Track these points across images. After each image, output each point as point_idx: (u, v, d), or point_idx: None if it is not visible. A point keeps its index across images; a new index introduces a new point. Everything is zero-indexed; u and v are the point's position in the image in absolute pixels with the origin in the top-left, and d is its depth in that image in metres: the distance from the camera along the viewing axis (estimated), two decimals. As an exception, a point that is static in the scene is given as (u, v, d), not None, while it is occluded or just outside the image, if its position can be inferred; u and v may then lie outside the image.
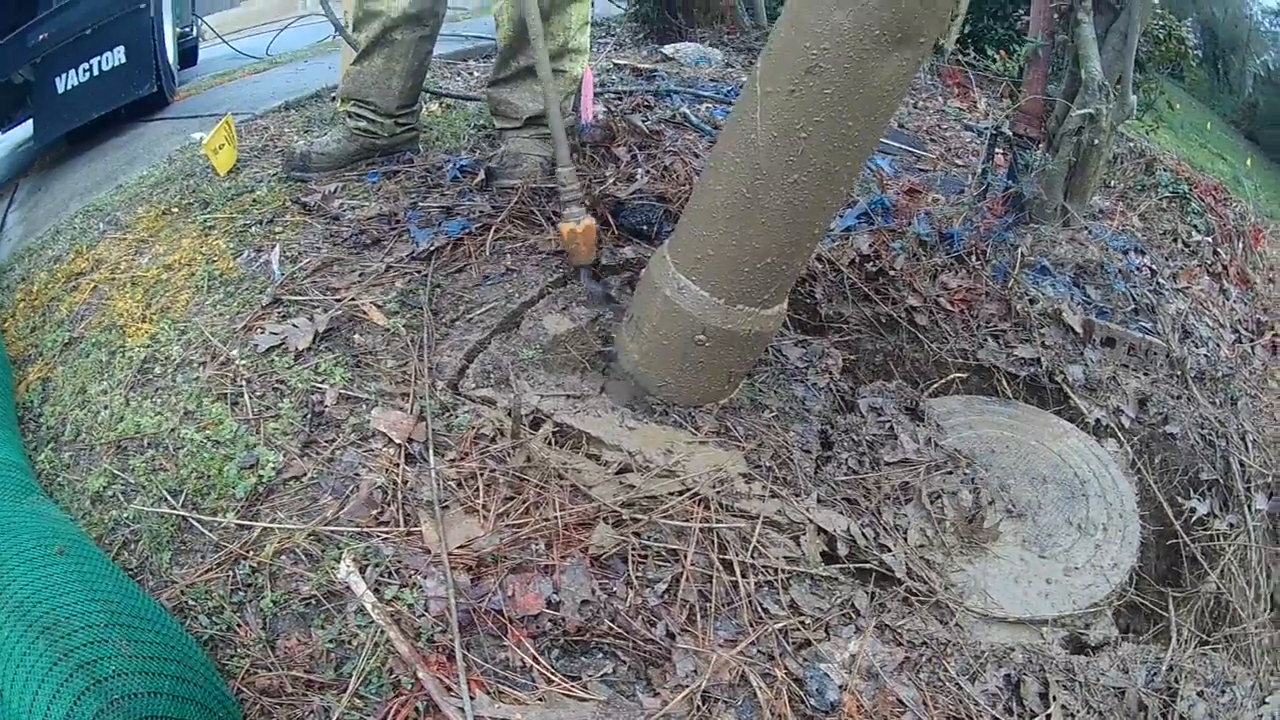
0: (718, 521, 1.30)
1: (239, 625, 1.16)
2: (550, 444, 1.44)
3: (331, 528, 1.25)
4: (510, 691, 1.08)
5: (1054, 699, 1.22)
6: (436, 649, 1.12)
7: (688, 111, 2.60)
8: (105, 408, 1.54)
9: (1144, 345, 2.02)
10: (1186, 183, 2.86)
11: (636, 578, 1.22)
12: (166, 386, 1.53)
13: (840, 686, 1.13)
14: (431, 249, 1.80)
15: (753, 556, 1.28)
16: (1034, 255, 2.11)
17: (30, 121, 2.97)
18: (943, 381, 1.89)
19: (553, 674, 1.10)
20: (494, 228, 1.89)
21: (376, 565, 1.20)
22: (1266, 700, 1.35)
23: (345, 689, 1.07)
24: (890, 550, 1.38)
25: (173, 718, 0.94)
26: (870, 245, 1.98)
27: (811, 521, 1.37)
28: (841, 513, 1.42)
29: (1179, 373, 2.00)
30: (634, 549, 1.25)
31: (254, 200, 2.00)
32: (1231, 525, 1.82)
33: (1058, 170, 2.16)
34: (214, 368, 1.52)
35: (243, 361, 1.53)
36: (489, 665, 1.11)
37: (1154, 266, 2.39)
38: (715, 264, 1.39)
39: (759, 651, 1.15)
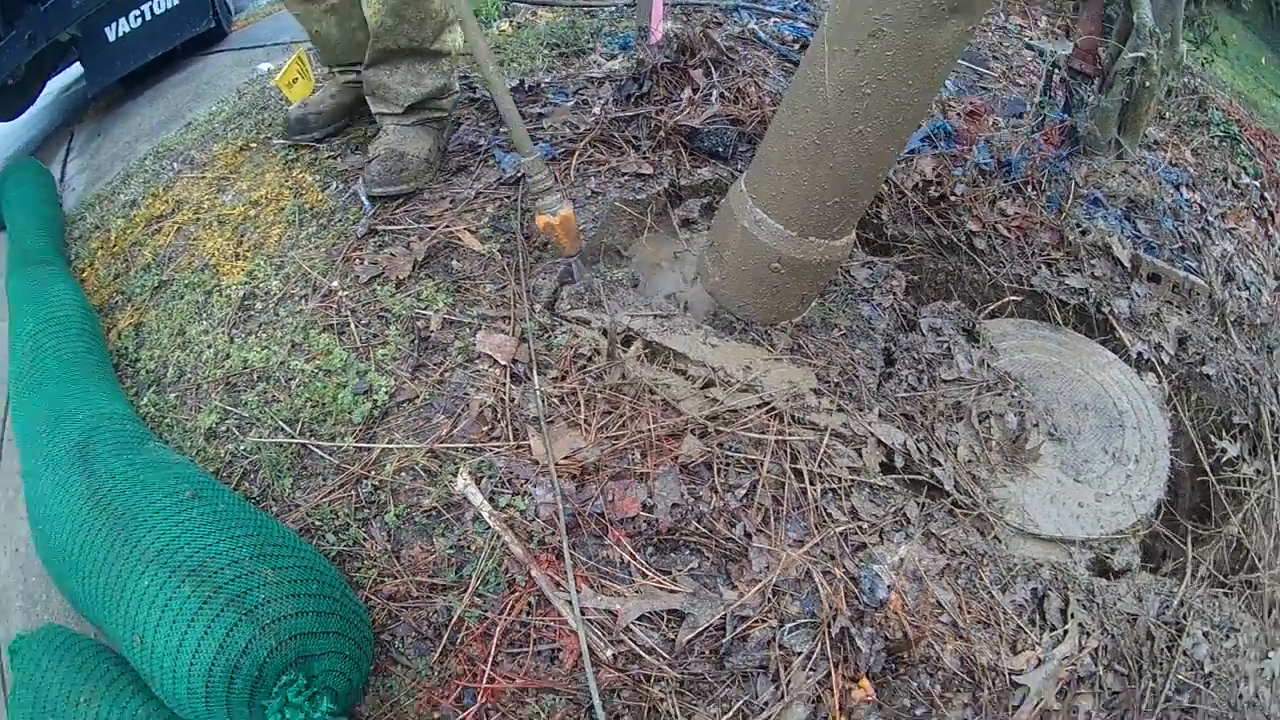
0: (791, 434, 1.49)
1: (365, 539, 1.35)
2: (641, 361, 1.63)
3: (446, 445, 1.45)
4: (610, 585, 1.30)
5: (1072, 615, 1.38)
6: (546, 549, 1.33)
7: (756, 28, 2.64)
8: (209, 347, 1.70)
9: (1187, 284, 2.10)
10: (1237, 124, 2.87)
11: (720, 484, 1.40)
12: (270, 321, 1.70)
13: (889, 586, 1.30)
14: (518, 174, 1.92)
15: (820, 466, 1.46)
16: (1087, 187, 2.18)
17: (78, 65, 2.95)
18: (999, 304, 2.00)
19: (647, 569, 1.32)
20: (576, 152, 2.02)
21: (490, 477, 1.41)
22: (1270, 655, 1.48)
23: (466, 589, 1.28)
24: (940, 465, 1.56)
25: (316, 632, 1.10)
26: (933, 170, 2.08)
27: (873, 435, 1.54)
28: (899, 428, 1.58)
29: (1219, 315, 2.08)
30: (718, 458, 1.43)
31: (343, 130, 2.13)
32: (1259, 472, 1.90)
33: (1111, 107, 2.20)
34: (316, 300, 1.69)
35: (345, 292, 1.70)
36: (592, 562, 1.33)
37: (1204, 204, 2.44)
38: (789, 201, 1.52)
39: (822, 552, 1.35)
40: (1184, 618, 1.46)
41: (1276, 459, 1.93)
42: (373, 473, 1.43)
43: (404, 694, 1.20)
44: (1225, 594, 1.61)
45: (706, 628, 1.25)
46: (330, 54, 2.07)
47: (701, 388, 1.56)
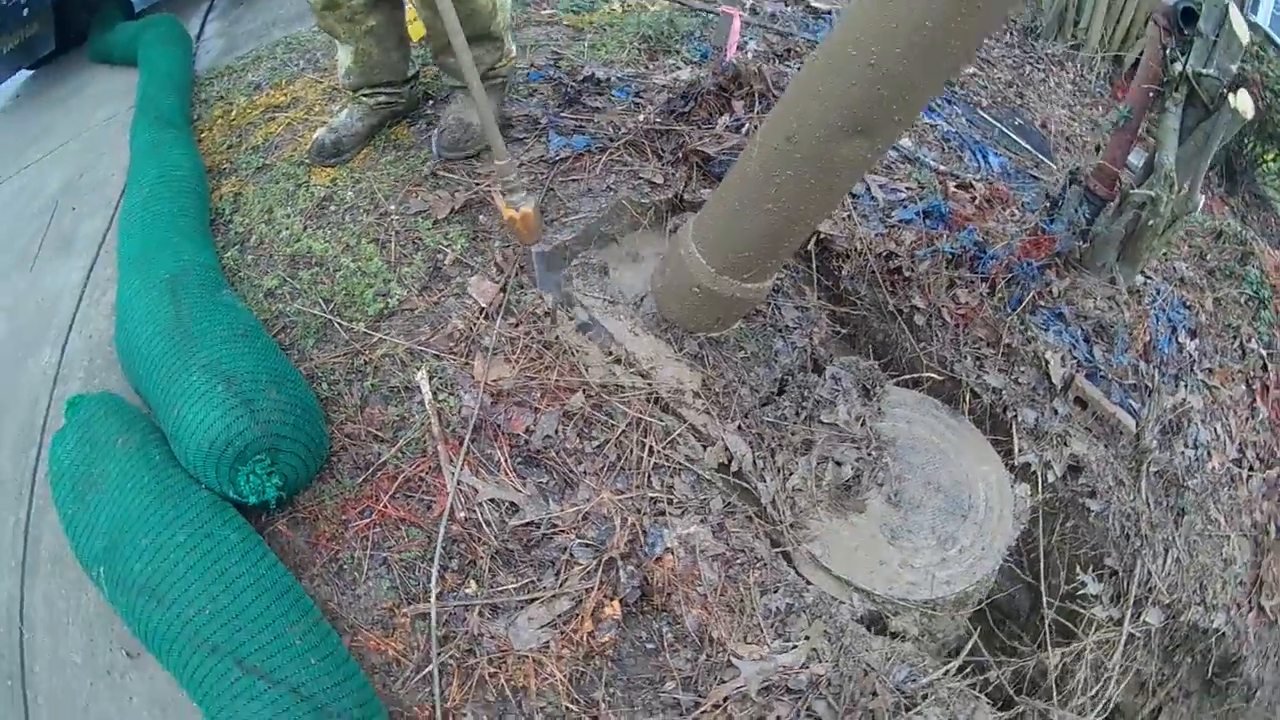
0: (654, 417, 2.19)
1: (345, 394, 2.17)
2: (577, 329, 2.35)
3: (421, 347, 2.24)
4: (483, 472, 2.07)
5: (806, 638, 1.94)
6: (455, 437, 2.11)
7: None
8: (286, 229, 2.52)
9: (1113, 420, 2.55)
10: (1271, 288, 3.09)
11: (584, 433, 2.13)
12: (336, 223, 2.50)
13: (667, 548, 1.99)
14: (558, 157, 2.66)
15: (664, 446, 2.15)
16: (1059, 301, 2.64)
17: None
18: (914, 376, 2.57)
19: (510, 471, 2.07)
20: (609, 150, 2.72)
21: (439, 378, 2.19)
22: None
23: (395, 445, 2.10)
24: (765, 482, 2.21)
25: (289, 437, 1.87)
26: (911, 243, 2.62)
27: (723, 439, 2.21)
28: (749, 442, 2.25)
29: (1136, 461, 2.53)
30: (591, 415, 2.15)
31: (434, 77, 2.90)
32: (1110, 619, 2.32)
33: (1112, 234, 2.62)
34: (374, 216, 2.49)
35: (396, 216, 2.49)
36: (479, 455, 2.09)
37: (1196, 355, 2.81)
38: (712, 243, 2.16)
39: (631, 503, 2.05)
40: (922, 698, 1.88)
41: (1134, 617, 2.37)
42: (367, 351, 2.25)
43: (329, 497, 2.03)
44: (993, 706, 1.98)
45: (529, 522, 2.00)
46: (369, 74, 2.55)
47: (611, 362, 2.27)
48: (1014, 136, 3.44)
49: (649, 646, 1.93)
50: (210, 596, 1.69)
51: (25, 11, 3.74)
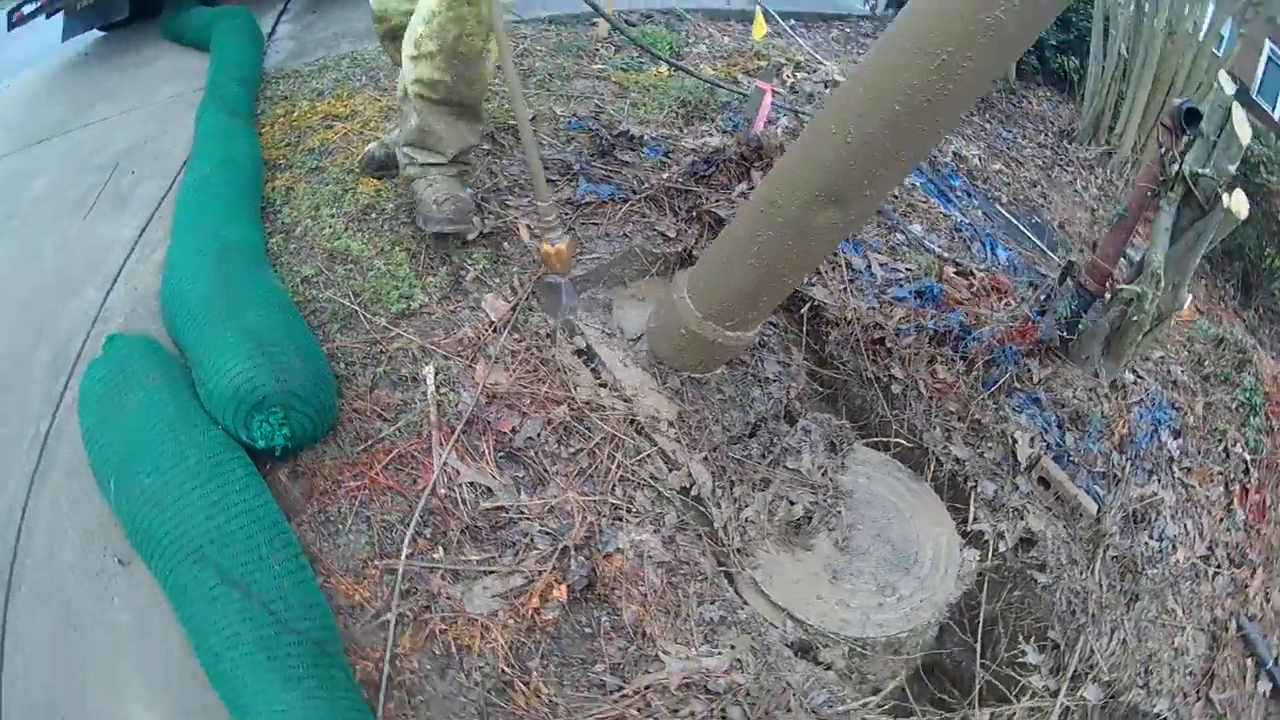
0: (628, 436, 2.46)
1: (359, 375, 2.49)
2: (575, 354, 2.66)
3: (432, 346, 2.57)
4: (469, 460, 2.36)
5: (735, 653, 2.15)
6: (448, 425, 2.41)
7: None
8: (329, 226, 2.87)
9: (1074, 502, 2.74)
10: (1264, 397, 3.25)
11: (562, 440, 2.43)
12: (375, 229, 2.86)
13: (619, 548, 2.25)
14: (583, 201, 3.03)
15: (634, 463, 2.43)
16: (1037, 388, 2.86)
17: None
18: (883, 439, 2.80)
19: (491, 461, 2.36)
20: (630, 202, 3.08)
21: (444, 374, 2.51)
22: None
23: (395, 424, 2.41)
24: (720, 508, 2.45)
25: (302, 396, 2.16)
26: (888, 318, 2.89)
27: (688, 466, 2.47)
28: (712, 472, 2.50)
29: (1093, 544, 2.70)
30: (571, 426, 2.45)
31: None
32: (1048, 689, 2.47)
33: (1097, 328, 2.84)
34: (410, 229, 2.85)
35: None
36: (467, 444, 2.39)
37: (1175, 455, 2.98)
38: (702, 291, 2.48)
39: (593, 505, 2.32)
40: None
41: (1070, 690, 2.51)
42: (384, 343, 2.59)
43: (329, 458, 2.34)
44: None
45: (500, 506, 2.28)
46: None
47: (598, 384, 2.56)
48: (1027, 233, 3.69)
49: (587, 631, 2.17)
50: (207, 514, 1.96)
51: None
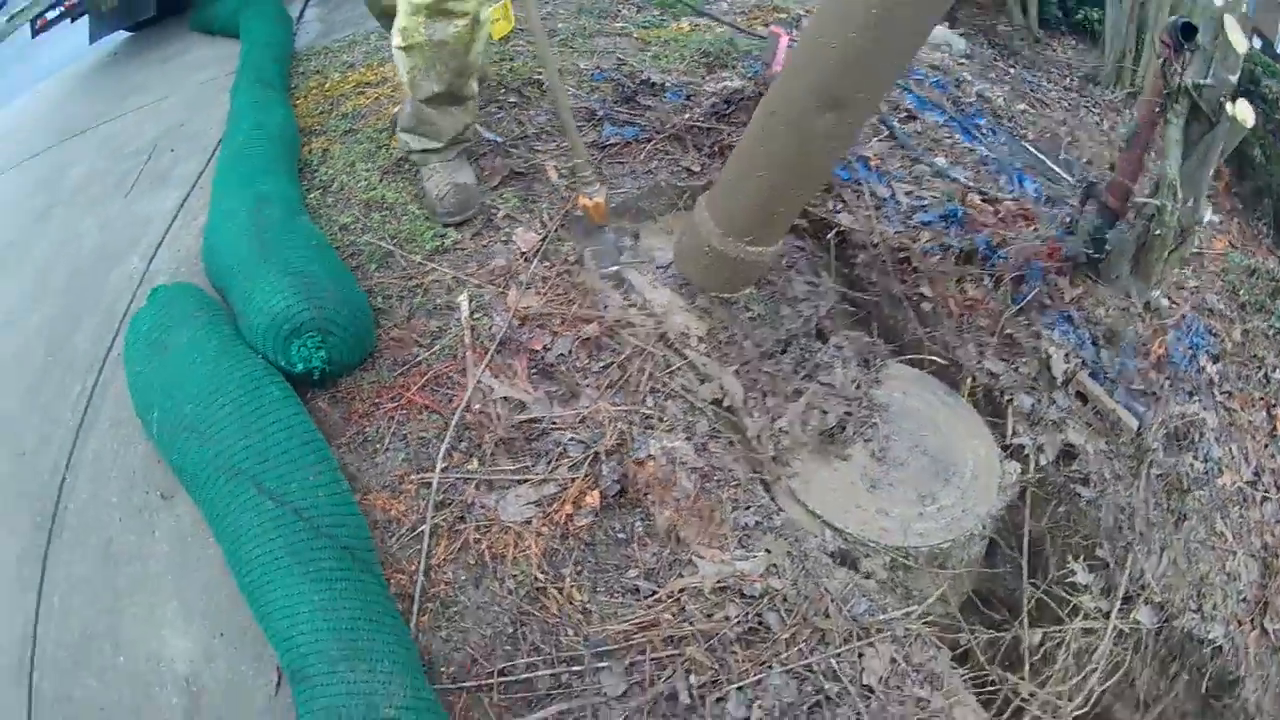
0: (658, 350, 2.39)
1: (397, 307, 2.44)
2: (605, 278, 2.60)
3: (466, 277, 2.53)
4: (502, 378, 2.31)
5: (770, 557, 2.03)
6: (482, 347, 2.37)
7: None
8: (364, 179, 2.84)
9: (1113, 418, 2.59)
10: None
11: (593, 355, 2.35)
12: (409, 178, 2.82)
13: (650, 455, 2.15)
14: (608, 143, 2.98)
15: (664, 375, 2.34)
16: (1068, 305, 2.73)
17: None
18: (917, 357, 2.69)
19: (525, 378, 2.29)
20: (654, 140, 3.03)
21: (477, 301, 2.46)
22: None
23: (432, 349, 2.37)
24: (753, 418, 2.37)
25: (340, 323, 2.14)
26: (915, 240, 2.79)
27: (719, 378, 2.40)
28: (744, 385, 2.42)
29: (1137, 458, 2.55)
30: (602, 342, 2.39)
31: (511, 70, 3.27)
32: (1099, 610, 2.30)
33: (1123, 244, 2.71)
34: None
35: (460, 178, 2.85)
36: (500, 363, 2.34)
37: (1215, 378, 2.82)
38: (719, 208, 2.39)
39: (624, 414, 2.24)
40: (876, 631, 1.91)
41: (1123, 613, 2.37)
42: (419, 277, 2.55)
43: (368, 383, 2.30)
44: (958, 667, 1.97)
45: (533, 418, 2.22)
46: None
47: (627, 304, 2.50)
48: (1055, 168, 3.56)
49: (620, 536, 2.10)
50: (245, 434, 1.93)
51: None
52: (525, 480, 2.12)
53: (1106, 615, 2.40)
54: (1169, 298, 3.03)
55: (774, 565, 2.07)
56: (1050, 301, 2.76)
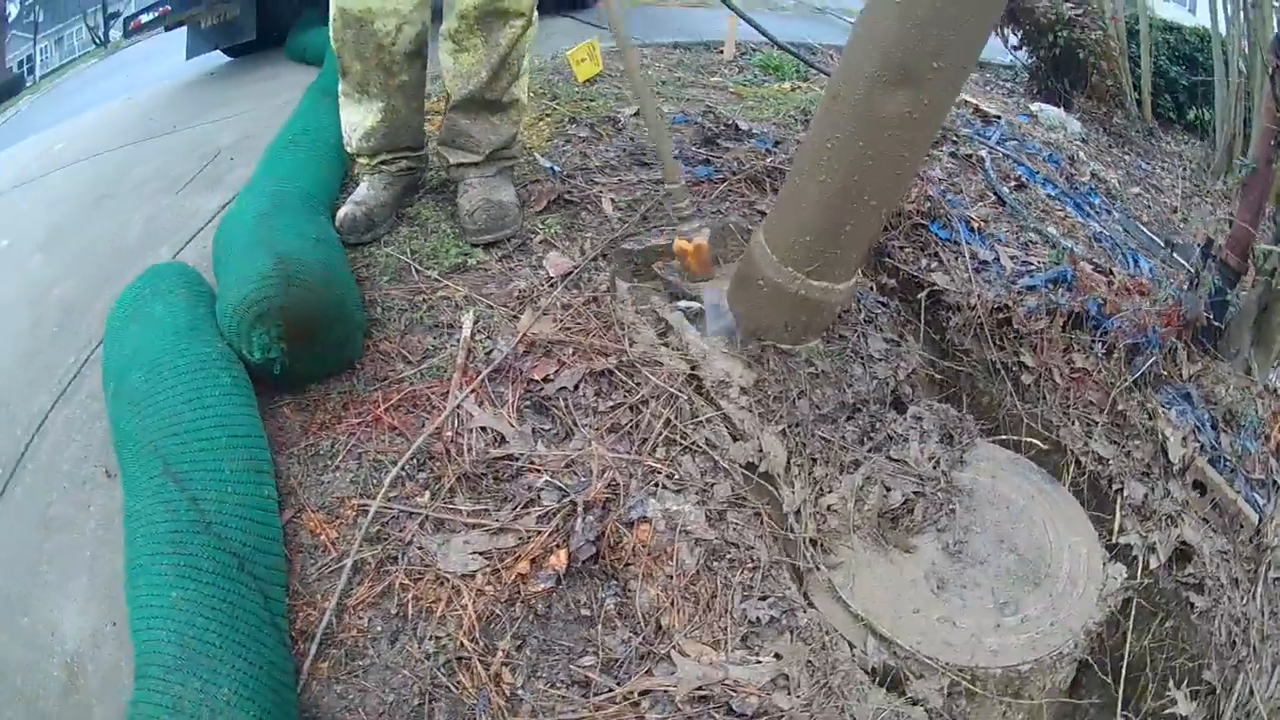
0: (685, 394, 1.79)
1: (394, 320, 1.95)
2: (635, 309, 2.02)
3: (477, 296, 2.02)
4: (488, 405, 1.79)
5: (780, 665, 1.36)
6: (474, 370, 1.88)
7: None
8: None
9: (1234, 511, 1.78)
10: None
11: (602, 393, 1.77)
12: (449, 196, 2.34)
13: (644, 515, 1.52)
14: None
15: (687, 426, 1.74)
16: (1186, 383, 1.98)
17: None
18: (1013, 438, 1.97)
19: (514, 411, 1.75)
20: (728, 181, 2.51)
21: (483, 322, 1.95)
22: None
23: (419, 367, 1.85)
24: (794, 487, 1.72)
25: (318, 322, 1.70)
26: (1018, 304, 2.12)
27: (758, 437, 1.78)
28: (788, 449, 1.78)
29: (1255, 560, 1.74)
30: (618, 379, 1.81)
31: (587, 107, 2.79)
32: None
33: (1245, 309, 1.96)
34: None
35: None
36: (490, 390, 1.81)
37: None
38: (776, 230, 1.81)
39: (625, 462, 1.65)
40: None
41: None
42: (427, 292, 2.06)
43: (336, 393, 1.81)
44: None
45: (509, 455, 1.67)
46: (393, 136, 2.19)
47: (660, 343, 1.94)
48: (1171, 252, 2.85)
49: (583, 613, 1.45)
50: (172, 413, 1.54)
51: None
52: (479, 525, 1.56)
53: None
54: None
55: (783, 676, 1.40)
56: (1166, 376, 2.02)
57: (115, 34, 4.16)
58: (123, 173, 3.09)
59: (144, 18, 4.00)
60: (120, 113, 4.08)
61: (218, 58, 4.31)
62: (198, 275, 2.00)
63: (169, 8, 3.88)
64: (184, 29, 4.12)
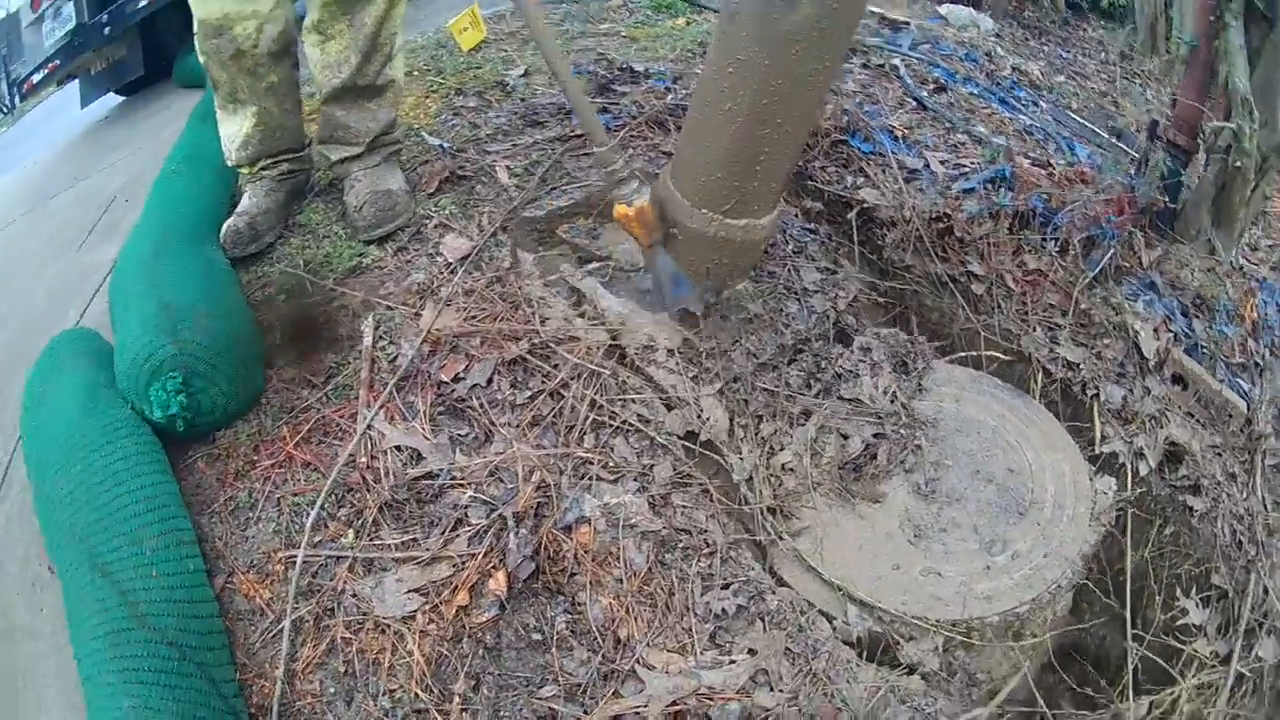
0: (607, 369, 1.56)
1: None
2: (543, 281, 1.78)
3: (378, 299, 1.77)
4: (398, 420, 1.52)
5: (756, 660, 1.19)
6: (381, 384, 1.61)
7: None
8: None
9: (1220, 402, 1.60)
10: None
11: (515, 384, 1.55)
12: (337, 199, 2.04)
13: (583, 516, 1.33)
14: (571, 135, 2.18)
15: (614, 404, 1.52)
16: (1150, 270, 1.76)
17: None
18: (971, 354, 1.75)
19: (426, 420, 1.51)
20: (629, 126, 2.22)
21: (385, 327, 1.70)
22: None
23: (324, 389, 1.60)
24: (741, 453, 1.49)
25: (209, 363, 1.48)
26: (955, 211, 1.87)
27: (694, 401, 1.54)
28: (730, 409, 1.55)
29: (1249, 450, 1.55)
30: (532, 365, 1.58)
31: (475, 76, 2.51)
32: (1215, 656, 1.40)
33: (1201, 190, 1.75)
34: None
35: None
36: (400, 403, 1.56)
37: None
38: (683, 171, 1.56)
39: (551, 459, 1.42)
40: None
41: (1246, 651, 1.39)
42: (325, 305, 1.81)
43: (245, 435, 1.56)
44: None
45: (428, 473, 1.43)
46: (270, 140, 1.97)
47: (575, 315, 1.68)
48: (1106, 135, 2.60)
49: (534, 637, 1.26)
50: (90, 498, 1.38)
51: (108, 30, 3.39)
52: (409, 558, 1.32)
53: (1226, 660, 1.43)
54: (1244, 256, 2.04)
55: (762, 672, 1.19)
56: (1127, 267, 1.80)
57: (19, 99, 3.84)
58: (26, 242, 2.87)
59: (35, 78, 3.73)
60: (21, 180, 3.88)
61: (113, 99, 4.21)
62: (95, 336, 1.83)
63: (57, 63, 3.66)
64: (76, 80, 3.97)
